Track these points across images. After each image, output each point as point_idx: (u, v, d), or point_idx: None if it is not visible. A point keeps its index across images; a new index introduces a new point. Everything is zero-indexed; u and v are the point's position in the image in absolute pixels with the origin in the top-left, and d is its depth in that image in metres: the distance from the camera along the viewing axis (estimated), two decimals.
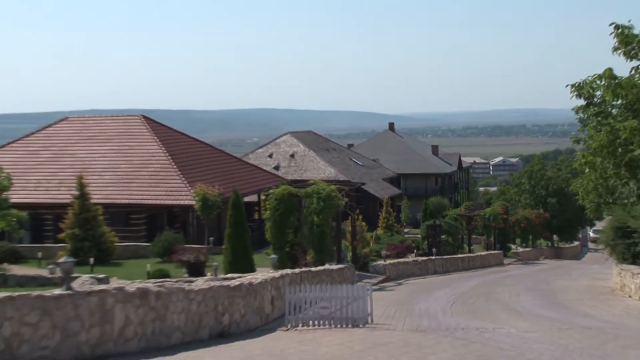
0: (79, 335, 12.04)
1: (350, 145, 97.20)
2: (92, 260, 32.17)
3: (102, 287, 13.70)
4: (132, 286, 13.69)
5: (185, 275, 28.37)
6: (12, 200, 37.67)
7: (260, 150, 79.67)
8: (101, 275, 25.36)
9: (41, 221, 44.80)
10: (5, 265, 30.70)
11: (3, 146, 52.84)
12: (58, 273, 21.37)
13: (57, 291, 12.21)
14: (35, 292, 11.91)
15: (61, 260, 14.41)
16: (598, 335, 15.67)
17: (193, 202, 42.24)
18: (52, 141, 51.96)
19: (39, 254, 35.06)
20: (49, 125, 55.16)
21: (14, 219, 37.08)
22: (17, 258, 34.00)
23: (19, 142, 53.00)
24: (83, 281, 22.49)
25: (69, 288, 12.51)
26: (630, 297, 26.42)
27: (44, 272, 27.62)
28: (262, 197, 46.35)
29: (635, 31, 27.81)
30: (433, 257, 44.70)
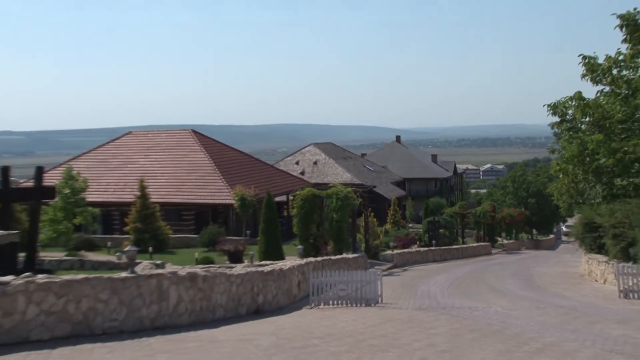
0: (141, 310, 12.30)
1: (363, 154, 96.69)
2: (151, 249, 32.24)
3: (160, 271, 13.89)
4: (183, 271, 13.88)
5: (227, 262, 28.39)
6: (88, 200, 38.50)
7: (288, 158, 79.57)
8: (158, 262, 25.46)
9: (110, 216, 45.11)
10: (83, 252, 31.01)
11: (80, 155, 53.12)
12: (124, 259, 21.69)
13: (123, 274, 12.45)
14: (107, 275, 12.23)
15: (126, 248, 14.78)
16: (570, 313, 15.81)
17: (233, 202, 42.33)
18: (119, 151, 52.21)
19: (109, 244, 35.28)
20: (117, 138, 55.38)
21: (89, 215, 37.82)
22: (91, 246, 34.27)
23: (93, 152, 53.27)
24: (144, 266, 22.56)
25: (133, 272, 12.78)
26: (596, 281, 26.54)
27: (112, 258, 27.85)
28: (290, 197, 46.76)
29: (600, 61, 27.95)
30: (433, 248, 44.74)
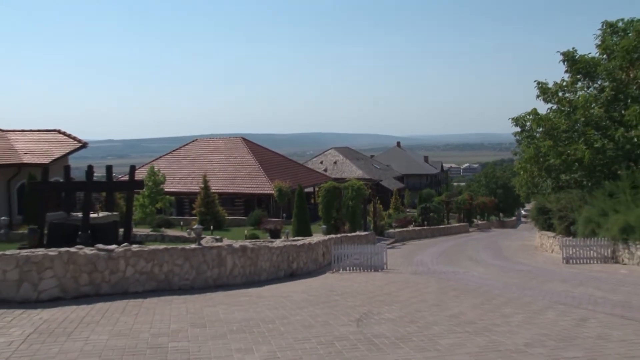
0: (206, 272, 12.44)
1: (371, 156, 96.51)
2: (212, 227, 32.49)
3: (219, 244, 14.02)
4: (237, 244, 13.95)
5: (268, 237, 28.54)
6: (165, 190, 38.81)
7: (315, 159, 79.56)
8: (218, 237, 25.52)
9: (182, 203, 45.46)
10: (162, 229, 31.26)
11: (160, 157, 53.49)
12: (193, 234, 21.89)
13: (193, 245, 12.62)
14: (181, 246, 12.37)
15: (194, 227, 14.93)
16: (527, 275, 15.77)
17: (272, 192, 42.44)
18: (188, 154, 52.51)
19: (181, 223, 35.57)
20: (186, 144, 55.69)
21: (167, 201, 38.14)
22: (168, 225, 34.53)
23: (168, 155, 53.61)
24: (207, 240, 22.62)
25: (200, 244, 12.94)
26: (546, 251, 26.51)
27: (184, 234, 27.95)
28: (316, 189, 46.81)
29: (550, 85, 27.96)
30: (425, 227, 44.69)
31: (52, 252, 10.31)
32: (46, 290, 10.00)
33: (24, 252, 10.14)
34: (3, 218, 25.37)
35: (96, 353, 6.40)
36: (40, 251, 10.34)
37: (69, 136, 35.57)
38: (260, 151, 52.85)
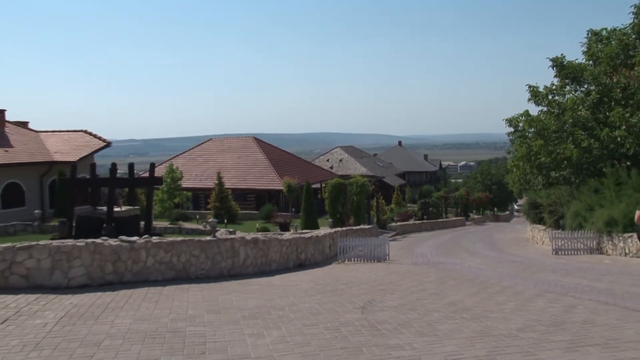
0: (220, 263, 12.42)
1: (375, 154, 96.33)
2: (225, 220, 32.55)
3: (232, 236, 14.11)
4: (249, 236, 13.94)
5: (278, 230, 28.60)
6: (183, 186, 38.86)
7: (322, 157, 79.37)
8: (231, 229, 25.60)
9: (198, 198, 45.47)
10: (180, 222, 31.33)
11: (177, 155, 53.52)
12: (208, 227, 21.89)
13: (208, 237, 12.63)
14: (197, 238, 12.36)
15: (210, 220, 14.94)
16: (519, 266, 15.69)
17: (282, 188, 42.41)
18: (203, 152, 52.54)
19: (197, 216, 35.63)
20: (201, 143, 55.69)
21: (184, 196, 38.21)
22: (185, 218, 34.60)
23: (186, 153, 53.67)
24: (222, 233, 22.66)
25: (215, 236, 13.00)
26: (537, 243, 26.44)
27: (200, 227, 27.99)
28: (323, 185, 46.83)
29: (540, 89, 27.95)
30: (424, 221, 44.67)
31: (80, 242, 10.38)
32: (75, 277, 10.07)
33: (55, 243, 10.22)
34: (37, 211, 25.56)
35: (121, 335, 6.47)
36: (70, 242, 10.41)
37: (95, 136, 35.75)
38: (270, 150, 52.84)
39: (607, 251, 19.44)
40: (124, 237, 11.20)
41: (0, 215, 27.91)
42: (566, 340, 6.12)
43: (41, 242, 10.18)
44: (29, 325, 6.94)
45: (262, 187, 45.75)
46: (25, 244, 10.05)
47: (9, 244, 10.01)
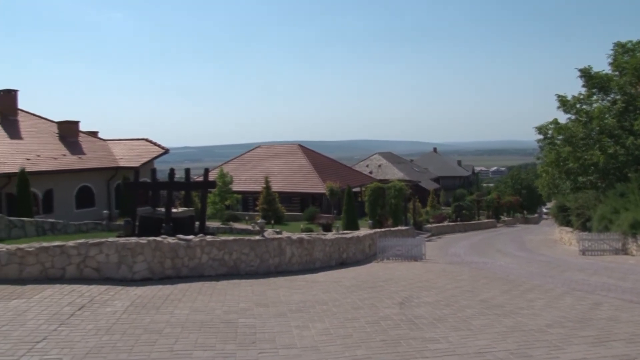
0: (268, 261, 12.43)
1: (411, 160, 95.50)
2: (272, 221, 32.62)
3: (279, 236, 14.11)
4: (294, 236, 13.97)
5: (321, 231, 28.57)
6: (233, 189, 39.13)
7: (362, 162, 78.78)
8: (278, 230, 25.60)
9: (247, 200, 45.70)
10: (231, 223, 31.56)
11: (228, 161, 54.03)
12: (257, 228, 21.99)
13: (257, 237, 12.67)
14: (247, 237, 12.44)
15: (258, 221, 15.07)
16: (547, 265, 15.41)
17: (325, 191, 42.36)
18: (252, 158, 52.93)
19: (246, 217, 35.85)
20: (251, 150, 56.11)
21: (234, 199, 38.51)
22: (235, 219, 34.79)
23: (236, 159, 54.16)
24: (269, 233, 22.69)
25: (263, 236, 13.04)
26: (565, 244, 25.81)
27: (249, 227, 28.15)
28: (363, 189, 46.61)
29: (568, 98, 27.41)
30: (458, 223, 44.06)
31: (143, 240, 10.62)
32: (139, 271, 10.31)
33: (121, 240, 10.50)
34: (105, 211, 26.28)
35: (179, 324, 6.61)
36: (134, 239, 10.67)
37: (155, 144, 36.54)
38: (314, 156, 52.92)
39: (632, 252, 19.00)
40: (181, 236, 11.38)
41: (74, 215, 28.77)
42: (592, 335, 6.02)
43: (110, 239, 10.49)
44: (101, 312, 7.20)
45: (306, 191, 45.76)
46: (96, 240, 10.40)
47: (83, 240, 10.40)
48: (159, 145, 36.36)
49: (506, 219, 60.03)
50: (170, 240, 10.98)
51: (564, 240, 26.63)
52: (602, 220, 21.54)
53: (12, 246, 10.06)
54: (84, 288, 8.89)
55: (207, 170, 21.02)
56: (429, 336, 6.04)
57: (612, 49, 27.63)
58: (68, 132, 33.65)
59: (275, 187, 41.20)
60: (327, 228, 30.16)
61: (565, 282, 11.04)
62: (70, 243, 10.20)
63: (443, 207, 60.52)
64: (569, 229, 25.85)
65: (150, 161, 34.34)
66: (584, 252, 19.70)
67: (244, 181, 47.61)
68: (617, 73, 26.93)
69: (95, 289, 8.90)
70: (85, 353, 5.42)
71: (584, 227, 23.64)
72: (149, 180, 23.31)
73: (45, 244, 10.17)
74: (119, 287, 9.17)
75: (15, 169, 25.25)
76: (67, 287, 8.89)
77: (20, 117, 32.96)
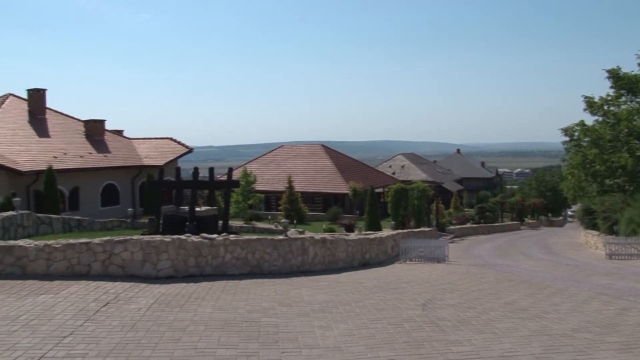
0: (291, 260, 12.39)
1: (434, 161, 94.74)
2: (295, 221, 32.67)
3: (302, 236, 14.00)
4: (317, 236, 13.90)
5: (344, 231, 28.47)
6: (256, 188, 39.16)
7: (385, 163, 78.44)
8: (301, 229, 25.58)
9: (269, 200, 45.90)
10: (254, 222, 31.68)
11: (251, 161, 54.28)
12: (280, 227, 22.10)
13: (280, 237, 12.66)
14: (270, 237, 12.46)
15: (281, 220, 15.07)
16: (574, 269, 15.09)
17: (347, 192, 42.36)
18: (275, 158, 53.11)
19: (269, 217, 35.93)
20: (273, 150, 56.27)
21: (257, 198, 38.58)
22: (258, 219, 34.89)
23: (259, 159, 54.40)
24: (292, 232, 22.69)
25: (286, 235, 13.02)
26: (591, 248, 25.36)
27: (272, 226, 28.23)
28: (386, 189, 46.44)
29: (596, 99, 26.97)
30: (481, 225, 43.52)
31: (167, 238, 10.73)
32: (163, 269, 10.42)
33: (146, 238, 10.62)
34: (129, 209, 26.62)
35: (203, 322, 6.66)
36: (158, 237, 10.79)
37: (179, 143, 36.91)
38: (336, 156, 52.87)
39: None
40: (204, 235, 11.45)
41: (100, 212, 29.22)
42: (620, 341, 5.89)
43: (134, 237, 10.62)
44: (126, 309, 7.31)
45: (329, 191, 45.76)
46: (122, 237, 10.54)
47: (108, 238, 10.55)
48: (183, 145, 36.72)
49: (530, 221, 59.23)
50: (194, 238, 11.06)
51: (589, 243, 26.19)
52: (630, 224, 21.09)
53: (40, 242, 10.26)
54: (109, 285, 9.02)
55: (230, 170, 21.17)
56: (453, 338, 5.99)
57: None
58: (94, 130, 34.20)
59: (298, 187, 41.26)
60: (349, 228, 30.08)
61: (591, 286, 10.84)
62: (96, 240, 10.36)
63: (466, 209, 59.93)
64: (595, 232, 25.41)
65: (175, 160, 34.71)
66: (610, 256, 19.31)
67: (267, 181, 47.71)
68: None
69: (120, 285, 9.02)
70: (110, 349, 5.50)
71: (611, 231, 23.22)
72: (173, 179, 23.58)
73: (71, 241, 10.35)
74: (143, 285, 9.28)
75: (42, 166, 25.77)
76: (92, 284, 9.03)
77: (48, 116, 33.61)
